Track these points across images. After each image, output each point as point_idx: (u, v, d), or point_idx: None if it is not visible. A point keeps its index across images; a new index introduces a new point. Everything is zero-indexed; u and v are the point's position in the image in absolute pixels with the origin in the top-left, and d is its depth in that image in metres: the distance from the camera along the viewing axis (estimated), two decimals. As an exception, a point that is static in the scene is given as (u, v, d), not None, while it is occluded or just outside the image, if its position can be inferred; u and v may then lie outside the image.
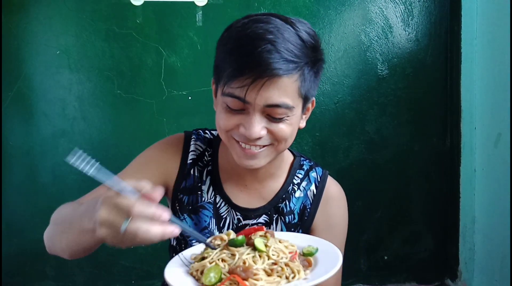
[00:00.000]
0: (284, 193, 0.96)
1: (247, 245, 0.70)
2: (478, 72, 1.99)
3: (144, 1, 1.89)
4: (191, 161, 0.95)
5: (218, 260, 0.68)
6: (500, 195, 1.83)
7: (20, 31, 1.88)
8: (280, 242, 0.73)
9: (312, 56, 0.79)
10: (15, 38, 1.88)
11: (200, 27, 1.92)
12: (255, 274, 0.64)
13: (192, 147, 0.96)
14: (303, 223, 0.97)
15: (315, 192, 0.97)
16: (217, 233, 0.94)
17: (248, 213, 0.94)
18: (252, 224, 0.94)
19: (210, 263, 0.68)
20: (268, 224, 0.95)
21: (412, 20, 2.02)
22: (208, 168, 0.95)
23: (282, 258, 0.68)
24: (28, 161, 1.93)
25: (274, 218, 0.95)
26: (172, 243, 1.00)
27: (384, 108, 2.04)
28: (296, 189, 0.97)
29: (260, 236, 0.72)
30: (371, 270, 2.10)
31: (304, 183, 0.97)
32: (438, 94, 2.07)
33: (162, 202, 0.98)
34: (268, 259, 0.67)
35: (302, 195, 0.97)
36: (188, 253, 0.77)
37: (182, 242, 0.97)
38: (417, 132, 2.07)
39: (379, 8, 2.00)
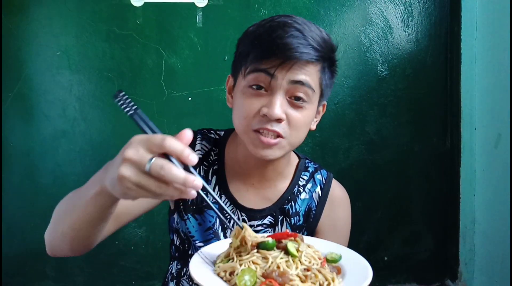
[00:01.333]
0: (290, 195, 0.96)
1: (277, 248, 0.69)
2: (478, 73, 2.00)
3: (145, 2, 1.90)
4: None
5: (249, 262, 0.65)
6: (500, 195, 1.83)
7: (21, 32, 1.88)
8: (309, 247, 0.71)
9: (331, 54, 0.85)
10: (16, 39, 1.88)
11: (200, 28, 1.92)
12: (290, 280, 0.62)
13: (197, 147, 0.96)
14: (309, 224, 0.97)
15: (320, 194, 0.98)
16: (221, 233, 0.94)
17: (253, 213, 0.94)
18: (257, 225, 0.94)
19: (241, 265, 0.65)
20: (273, 225, 0.95)
21: (412, 21, 2.02)
22: (214, 168, 0.96)
23: (313, 264, 0.67)
24: (28, 162, 1.93)
25: (280, 220, 0.96)
26: (175, 242, 1.00)
27: (384, 108, 2.04)
28: (301, 190, 0.97)
29: (291, 240, 0.70)
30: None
31: (309, 185, 0.98)
32: (438, 94, 2.07)
33: (165, 201, 0.99)
34: (301, 265, 0.66)
35: (307, 197, 0.97)
36: (207, 250, 0.75)
37: (186, 242, 0.97)
38: (417, 133, 2.07)
39: (379, 9, 2.00)
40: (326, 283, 0.63)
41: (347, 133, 2.04)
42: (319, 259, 0.69)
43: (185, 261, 0.99)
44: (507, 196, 1.75)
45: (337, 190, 1.01)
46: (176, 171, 0.55)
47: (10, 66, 1.89)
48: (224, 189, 0.94)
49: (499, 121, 1.83)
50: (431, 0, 2.02)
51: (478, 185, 2.01)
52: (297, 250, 0.67)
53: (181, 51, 1.93)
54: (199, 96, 1.94)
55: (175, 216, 0.97)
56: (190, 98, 1.95)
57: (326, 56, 0.83)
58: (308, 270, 0.65)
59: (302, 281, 0.63)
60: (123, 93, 0.63)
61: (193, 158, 0.57)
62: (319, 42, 0.81)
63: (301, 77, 0.81)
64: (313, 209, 0.97)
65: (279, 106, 0.80)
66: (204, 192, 0.63)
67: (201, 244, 0.94)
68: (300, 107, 0.83)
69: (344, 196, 1.02)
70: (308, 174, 1.00)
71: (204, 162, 0.96)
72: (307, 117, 0.85)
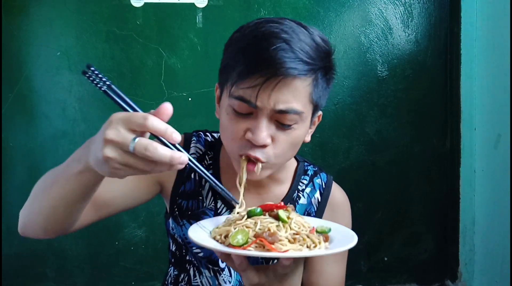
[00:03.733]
0: (289, 201, 0.93)
1: (269, 216, 0.72)
2: (477, 73, 2.00)
3: (145, 3, 1.90)
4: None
5: (243, 226, 0.69)
6: (500, 196, 1.83)
7: (21, 33, 1.88)
8: (299, 216, 0.75)
9: (325, 61, 0.77)
10: (16, 40, 1.88)
11: (200, 28, 1.92)
12: (280, 240, 0.66)
13: (192, 150, 0.92)
14: None
15: (319, 200, 0.95)
16: None
17: None
18: None
19: (234, 229, 0.70)
20: None
21: (412, 21, 2.02)
22: (209, 172, 0.93)
23: (302, 230, 0.70)
24: (29, 162, 1.93)
25: None
26: (171, 248, 0.98)
27: (384, 109, 2.04)
28: (300, 195, 0.94)
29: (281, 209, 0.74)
30: (371, 271, 2.10)
31: (308, 189, 0.95)
32: (438, 95, 2.07)
33: (161, 203, 0.98)
34: (290, 230, 0.69)
35: (306, 202, 0.94)
36: (206, 222, 0.77)
37: (183, 248, 0.95)
38: (417, 133, 2.07)
39: (378, 10, 2.00)
40: (313, 245, 0.67)
41: (347, 133, 2.04)
42: (308, 227, 0.72)
43: (181, 267, 0.97)
44: (507, 197, 1.75)
45: (337, 195, 0.97)
46: (161, 150, 0.54)
47: (10, 66, 1.89)
48: (219, 194, 0.91)
49: (498, 122, 1.83)
50: (431, 0, 2.02)
51: (478, 186, 2.01)
52: (288, 218, 0.71)
53: (181, 51, 1.93)
54: (199, 97, 1.94)
55: (171, 221, 0.95)
56: (190, 99, 1.95)
57: (318, 67, 0.75)
58: (297, 234, 0.68)
59: (291, 243, 0.67)
60: (93, 68, 0.58)
61: (176, 136, 0.56)
62: (309, 53, 0.72)
63: (286, 104, 0.72)
64: (312, 215, 0.94)
65: (263, 131, 0.73)
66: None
67: (198, 250, 0.92)
68: (289, 130, 0.76)
69: (344, 200, 0.98)
70: (307, 178, 0.96)
71: None
72: (297, 137, 0.78)
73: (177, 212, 0.93)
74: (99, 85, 0.58)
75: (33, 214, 0.74)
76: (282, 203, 0.75)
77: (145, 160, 0.55)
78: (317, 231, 0.72)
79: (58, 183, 0.68)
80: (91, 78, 0.57)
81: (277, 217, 0.71)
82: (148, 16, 1.91)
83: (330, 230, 0.73)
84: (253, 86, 0.72)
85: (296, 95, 0.73)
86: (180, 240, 0.94)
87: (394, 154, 2.07)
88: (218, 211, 0.92)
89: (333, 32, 1.99)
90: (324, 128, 2.02)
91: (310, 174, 0.97)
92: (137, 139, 0.54)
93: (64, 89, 1.92)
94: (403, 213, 2.11)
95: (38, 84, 1.91)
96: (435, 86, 2.06)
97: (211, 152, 0.94)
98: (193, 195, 0.91)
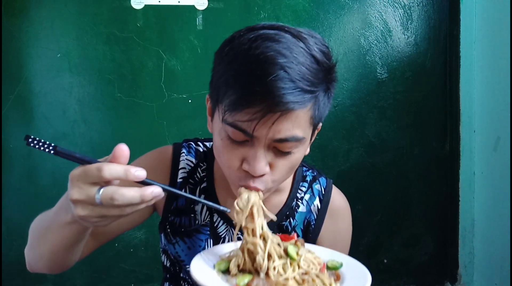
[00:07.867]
0: (288, 210, 0.90)
1: None
2: (477, 76, 2.00)
3: (145, 5, 1.90)
4: (181, 179, 0.87)
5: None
6: (499, 198, 1.83)
7: (21, 34, 1.89)
8: (309, 252, 0.71)
9: (327, 79, 0.70)
10: (16, 41, 1.88)
11: (200, 30, 1.93)
12: (286, 282, 0.63)
13: (182, 164, 0.87)
14: (308, 239, 0.91)
15: (319, 207, 0.91)
16: None
17: None
18: None
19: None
20: None
21: (411, 24, 2.03)
22: (202, 186, 0.87)
23: (312, 269, 0.66)
24: (29, 164, 1.93)
25: None
26: (165, 263, 0.94)
27: (384, 111, 2.05)
28: (299, 204, 0.91)
29: (291, 244, 0.69)
30: (370, 273, 2.10)
31: (307, 196, 0.92)
32: (437, 97, 2.07)
33: (157, 216, 0.96)
34: (299, 269, 0.65)
35: (305, 210, 0.91)
36: (209, 252, 0.74)
37: (177, 265, 0.91)
38: (417, 136, 2.08)
39: (378, 12, 2.01)
40: None
41: (346, 135, 2.04)
42: (319, 264, 0.68)
43: (177, 283, 0.93)
44: (507, 199, 1.75)
45: (337, 200, 0.93)
46: (128, 194, 0.53)
47: (11, 68, 1.89)
48: (215, 208, 0.90)
49: (498, 124, 1.84)
50: (430, 3, 2.03)
51: (477, 188, 2.01)
52: (297, 254, 0.67)
53: (181, 53, 1.93)
54: (199, 99, 1.95)
55: (163, 236, 0.91)
56: (190, 101, 1.95)
57: (320, 88, 0.68)
58: (306, 274, 0.65)
59: (299, 284, 0.63)
60: (31, 137, 0.54)
61: (140, 174, 0.54)
62: (310, 79, 0.65)
63: (286, 133, 0.67)
64: (312, 223, 0.91)
65: (261, 161, 0.68)
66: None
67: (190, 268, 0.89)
68: (288, 155, 0.71)
69: (345, 205, 0.94)
70: (306, 184, 0.92)
71: (190, 180, 0.87)
72: (297, 160, 0.73)
73: (169, 230, 0.89)
74: (47, 150, 0.55)
75: (36, 258, 0.75)
76: (295, 236, 0.72)
77: (118, 207, 0.54)
78: (328, 267, 0.69)
79: (52, 230, 0.68)
80: (37, 146, 0.54)
81: (285, 252, 0.67)
82: (148, 18, 1.91)
83: (341, 265, 0.70)
84: (250, 120, 0.65)
85: (297, 124, 0.67)
86: (172, 257, 0.91)
87: (393, 157, 2.07)
88: (215, 225, 0.88)
89: (332, 35, 1.99)
90: (324, 130, 2.00)
91: (308, 180, 0.93)
92: (101, 191, 0.53)
93: (64, 91, 1.92)
94: (402, 215, 2.11)
95: (39, 86, 1.91)
96: (434, 88, 2.07)
97: (203, 164, 0.88)
98: (185, 211, 0.87)
